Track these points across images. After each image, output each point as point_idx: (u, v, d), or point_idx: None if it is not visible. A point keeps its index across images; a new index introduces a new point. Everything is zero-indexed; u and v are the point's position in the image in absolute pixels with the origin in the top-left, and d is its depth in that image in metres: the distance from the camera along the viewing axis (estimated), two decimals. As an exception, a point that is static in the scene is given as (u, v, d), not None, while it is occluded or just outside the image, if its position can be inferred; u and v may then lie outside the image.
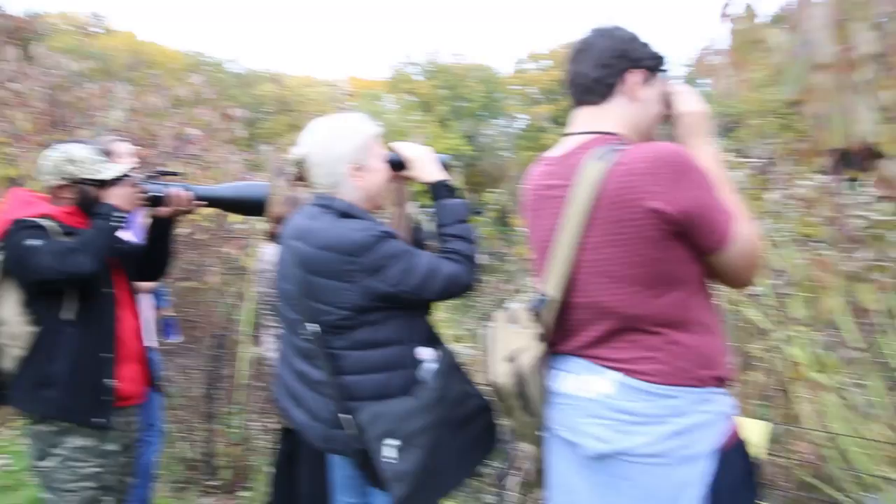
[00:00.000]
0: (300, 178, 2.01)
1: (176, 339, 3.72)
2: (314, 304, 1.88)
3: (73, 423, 2.22)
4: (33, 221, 2.19)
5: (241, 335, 3.99)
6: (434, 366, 1.87)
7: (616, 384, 1.51)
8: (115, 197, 2.28)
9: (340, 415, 1.86)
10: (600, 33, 1.64)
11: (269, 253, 3.04)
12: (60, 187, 2.30)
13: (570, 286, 1.56)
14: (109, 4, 77.22)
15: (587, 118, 1.65)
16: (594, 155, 1.51)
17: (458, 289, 1.92)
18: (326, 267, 1.85)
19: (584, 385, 1.56)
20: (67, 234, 2.22)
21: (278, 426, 3.20)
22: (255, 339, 3.85)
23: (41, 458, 2.24)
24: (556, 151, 1.68)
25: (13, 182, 4.64)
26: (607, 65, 1.60)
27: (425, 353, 1.90)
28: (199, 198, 2.43)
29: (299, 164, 1.98)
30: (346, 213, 1.90)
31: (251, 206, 2.50)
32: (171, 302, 3.72)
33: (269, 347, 3.15)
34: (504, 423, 1.85)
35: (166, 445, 3.68)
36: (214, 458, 3.92)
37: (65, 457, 2.23)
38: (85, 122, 5.29)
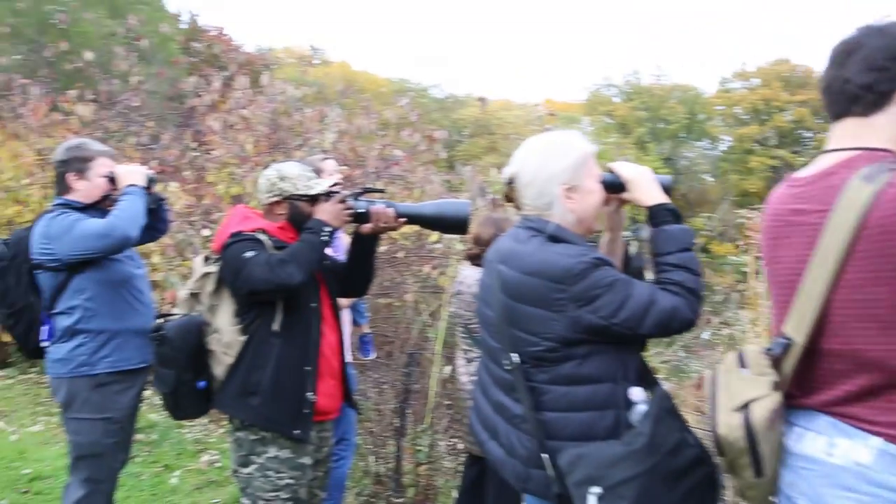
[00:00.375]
0: (509, 198, 1.91)
1: (371, 356, 3.80)
2: (517, 333, 1.77)
3: (273, 432, 2.30)
4: (250, 235, 2.31)
5: (434, 354, 4.00)
6: (645, 408, 1.68)
7: (876, 452, 1.30)
8: (323, 213, 2.34)
9: (541, 454, 1.73)
10: (871, 31, 1.40)
11: (465, 274, 3.00)
12: (274, 203, 2.40)
13: (820, 329, 1.36)
14: (327, 38, 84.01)
15: (850, 132, 1.42)
16: (860, 175, 1.30)
17: (677, 324, 1.71)
18: (532, 294, 1.73)
19: (832, 449, 1.36)
20: (279, 248, 2.31)
21: (465, 449, 3.14)
22: (447, 359, 3.84)
23: (242, 465, 2.34)
24: (806, 171, 1.47)
25: (236, 199, 5.06)
26: (882, 68, 1.36)
27: (636, 394, 1.72)
28: (401, 215, 2.43)
29: (509, 183, 1.88)
30: (556, 237, 1.77)
31: (452, 224, 2.46)
32: (368, 318, 3.81)
33: (461, 370, 3.10)
34: (726, 480, 1.62)
35: (356, 458, 3.76)
36: (402, 476, 3.94)
37: (262, 465, 2.31)
38: (301, 144, 5.66)
